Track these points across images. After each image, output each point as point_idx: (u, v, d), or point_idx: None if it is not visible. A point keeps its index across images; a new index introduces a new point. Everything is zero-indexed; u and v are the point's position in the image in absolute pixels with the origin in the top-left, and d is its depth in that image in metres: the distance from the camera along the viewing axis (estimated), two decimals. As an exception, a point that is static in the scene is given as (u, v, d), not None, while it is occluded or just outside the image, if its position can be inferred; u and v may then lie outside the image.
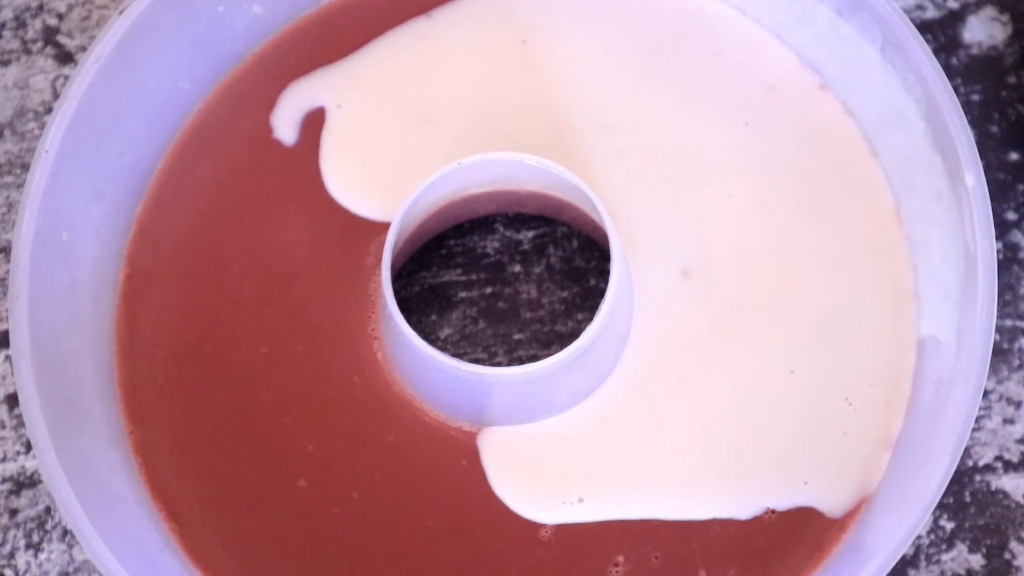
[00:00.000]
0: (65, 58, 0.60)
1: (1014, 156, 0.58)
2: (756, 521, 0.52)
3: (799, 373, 0.53)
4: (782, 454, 0.52)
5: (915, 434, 0.52)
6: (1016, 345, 0.57)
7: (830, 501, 0.52)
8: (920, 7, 0.60)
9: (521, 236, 0.57)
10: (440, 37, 0.56)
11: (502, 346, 0.56)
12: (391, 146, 0.55)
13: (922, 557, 0.55)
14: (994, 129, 0.59)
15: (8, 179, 0.59)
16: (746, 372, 0.53)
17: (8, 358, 0.57)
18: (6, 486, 0.56)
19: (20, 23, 0.60)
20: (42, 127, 0.59)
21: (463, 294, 0.56)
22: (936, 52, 0.59)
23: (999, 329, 0.56)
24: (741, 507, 0.52)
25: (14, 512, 0.56)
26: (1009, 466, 0.56)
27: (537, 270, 0.57)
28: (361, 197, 0.54)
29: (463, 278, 0.57)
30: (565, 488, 0.52)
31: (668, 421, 0.53)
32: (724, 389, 0.53)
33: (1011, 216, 0.58)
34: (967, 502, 0.55)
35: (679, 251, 0.54)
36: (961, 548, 0.55)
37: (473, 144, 0.54)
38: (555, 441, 0.53)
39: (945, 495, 0.55)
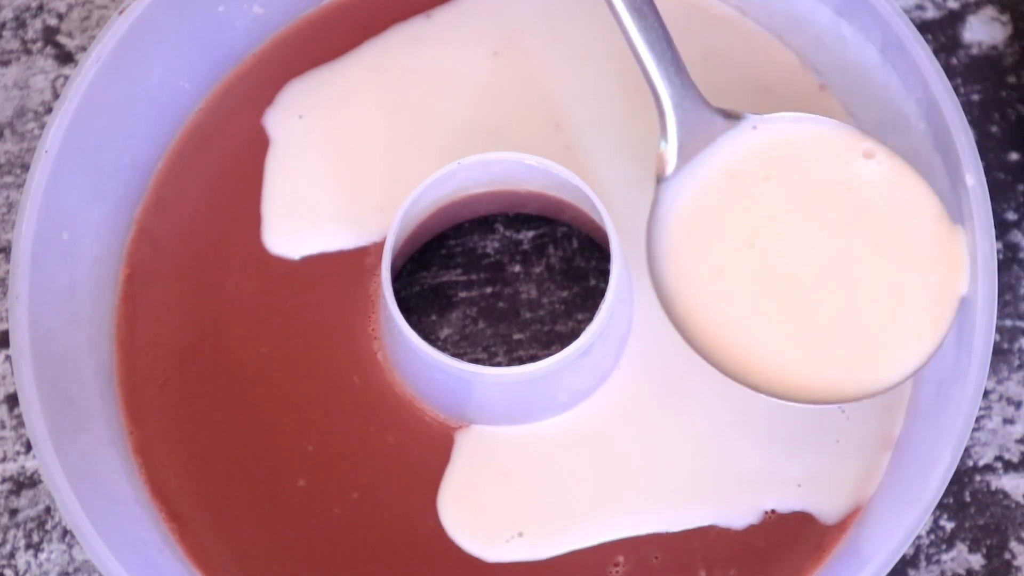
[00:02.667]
0: (65, 58, 0.60)
1: (1014, 156, 0.58)
2: (756, 523, 0.52)
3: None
4: (776, 460, 0.52)
5: (915, 434, 0.52)
6: (1016, 345, 0.57)
7: (825, 506, 0.52)
8: (920, 7, 0.60)
9: (521, 236, 0.57)
10: (439, 37, 0.56)
11: (502, 346, 0.56)
12: (383, 149, 0.55)
13: (922, 557, 0.55)
14: (994, 129, 0.59)
15: (8, 179, 0.59)
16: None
17: (8, 358, 0.57)
18: (6, 486, 0.56)
19: (20, 23, 0.60)
20: (42, 127, 0.59)
21: (463, 294, 0.56)
22: (936, 52, 0.59)
23: (999, 329, 0.56)
24: (738, 513, 0.52)
25: (14, 512, 0.56)
26: (1009, 466, 0.56)
27: (537, 270, 0.57)
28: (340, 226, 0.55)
29: (463, 278, 0.57)
30: (564, 490, 0.52)
31: (667, 423, 0.53)
32: (720, 394, 0.53)
33: (1011, 216, 0.58)
34: (967, 502, 0.55)
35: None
36: (961, 548, 0.55)
37: (472, 144, 0.54)
38: (554, 442, 0.53)
39: (945, 495, 0.55)
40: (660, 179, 0.50)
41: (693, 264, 0.49)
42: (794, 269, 0.49)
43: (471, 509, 0.52)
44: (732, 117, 0.50)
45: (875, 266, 0.49)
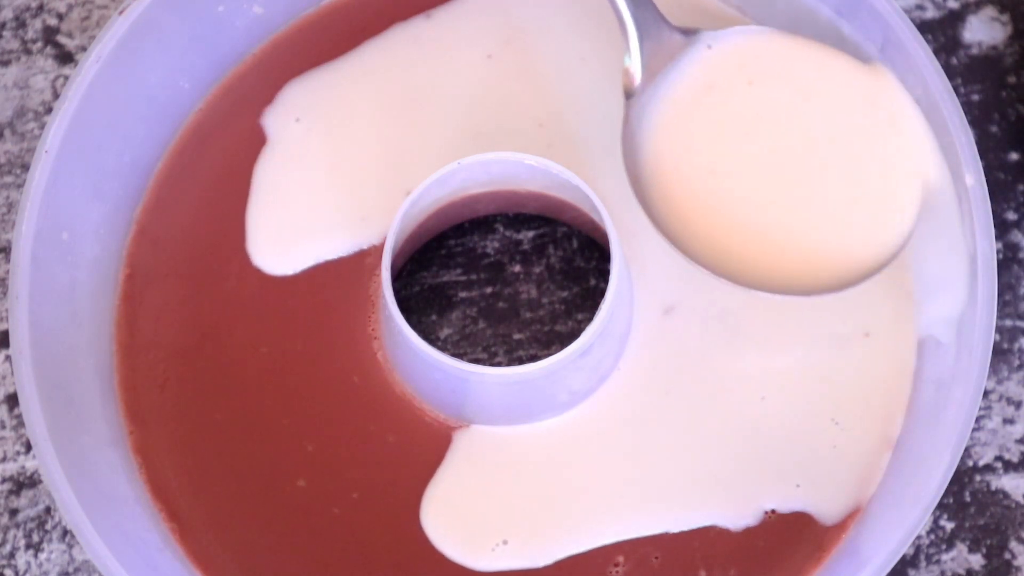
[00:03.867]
0: (65, 58, 0.60)
1: (1014, 156, 0.58)
2: (756, 523, 0.52)
3: (794, 375, 0.53)
4: (776, 460, 0.52)
5: (915, 434, 0.52)
6: (1016, 345, 0.57)
7: (825, 506, 0.52)
8: (920, 7, 0.60)
9: (521, 236, 0.57)
10: (439, 37, 0.56)
11: (502, 346, 0.56)
12: (382, 149, 0.55)
13: (922, 557, 0.55)
14: (994, 129, 0.59)
15: (8, 179, 0.59)
16: (741, 379, 0.53)
17: (8, 358, 0.57)
18: (6, 486, 0.56)
19: (20, 23, 0.60)
20: (42, 127, 0.59)
21: (463, 294, 0.56)
22: (936, 52, 0.59)
23: (999, 329, 0.56)
24: (737, 514, 0.52)
25: (14, 512, 0.56)
26: (1009, 466, 0.56)
27: (537, 270, 0.57)
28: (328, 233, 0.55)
29: (463, 278, 0.57)
30: (564, 490, 0.52)
31: (667, 423, 0.53)
32: (720, 394, 0.53)
33: (1011, 216, 0.58)
34: (967, 502, 0.55)
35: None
36: (961, 548, 0.55)
37: (471, 144, 0.54)
38: (554, 442, 0.53)
39: (945, 495, 0.55)
40: (629, 95, 0.51)
41: (684, 167, 0.51)
42: (782, 167, 0.51)
43: (458, 511, 0.52)
44: (690, 33, 0.52)
45: (852, 159, 0.51)
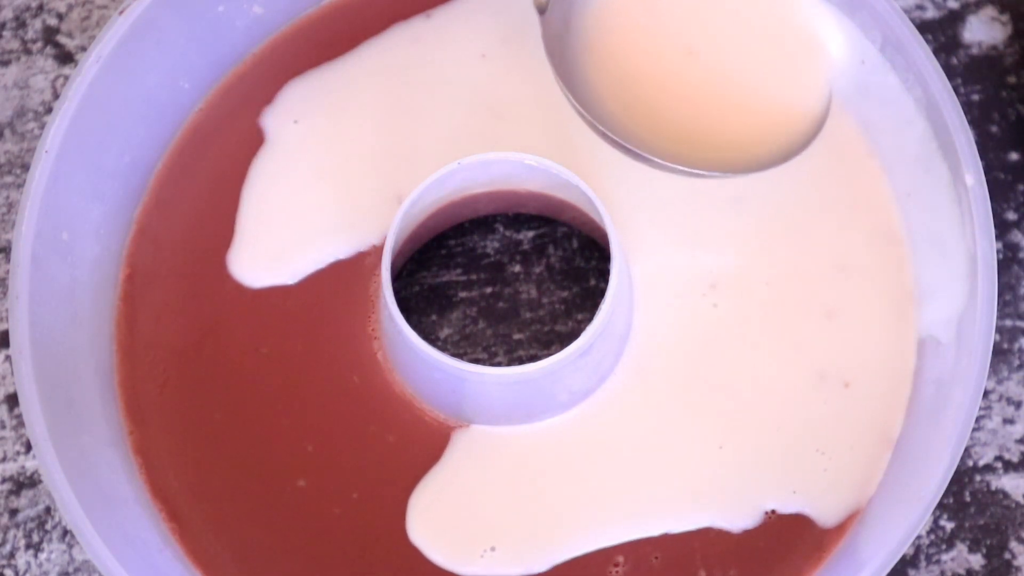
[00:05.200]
0: (65, 58, 0.60)
1: (1014, 156, 0.58)
2: (755, 524, 0.52)
3: (793, 377, 0.53)
4: (776, 460, 0.52)
5: (915, 434, 0.52)
6: (1016, 345, 0.57)
7: (824, 507, 0.52)
8: (920, 7, 0.60)
9: (521, 236, 0.57)
10: (439, 37, 0.56)
11: (502, 346, 0.56)
12: (382, 149, 0.55)
13: (922, 557, 0.55)
14: (994, 129, 0.59)
15: (8, 179, 0.59)
16: (742, 380, 0.53)
17: (8, 358, 0.57)
18: (6, 486, 0.56)
19: (20, 23, 0.60)
20: (42, 127, 0.59)
21: (463, 294, 0.56)
22: (936, 52, 0.59)
23: (999, 329, 0.56)
24: (737, 514, 0.52)
25: (14, 512, 0.56)
26: (1009, 466, 0.56)
27: (537, 270, 0.57)
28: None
29: (463, 278, 0.57)
30: (563, 490, 0.52)
31: (667, 422, 0.53)
32: (720, 393, 0.53)
33: (1011, 216, 0.58)
34: (967, 502, 0.55)
35: (680, 251, 0.54)
36: (961, 548, 0.55)
37: (471, 143, 0.54)
38: (554, 442, 0.53)
39: (945, 495, 0.55)
40: (542, 10, 0.52)
41: (657, 54, 0.52)
42: (726, 51, 0.52)
43: (452, 513, 0.52)
44: None
45: (771, 38, 0.53)
